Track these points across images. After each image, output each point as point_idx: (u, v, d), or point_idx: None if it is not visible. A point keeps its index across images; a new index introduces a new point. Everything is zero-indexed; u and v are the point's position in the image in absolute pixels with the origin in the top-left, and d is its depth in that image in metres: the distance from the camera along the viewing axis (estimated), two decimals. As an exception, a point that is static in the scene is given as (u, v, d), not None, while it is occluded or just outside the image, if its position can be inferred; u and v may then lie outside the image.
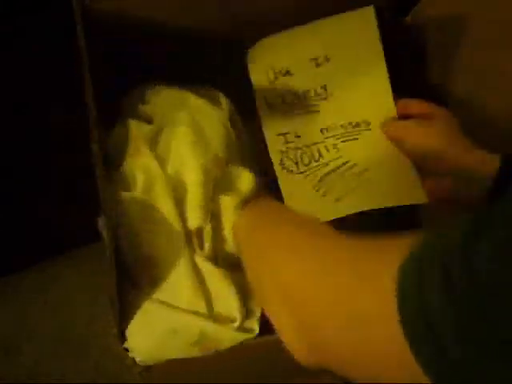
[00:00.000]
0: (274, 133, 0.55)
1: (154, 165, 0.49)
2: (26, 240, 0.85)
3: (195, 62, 0.60)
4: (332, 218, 0.50)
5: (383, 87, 0.55)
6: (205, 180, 0.48)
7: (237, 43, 0.59)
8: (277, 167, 0.54)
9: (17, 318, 0.90)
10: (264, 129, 0.55)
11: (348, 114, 0.55)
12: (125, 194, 0.48)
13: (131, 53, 0.59)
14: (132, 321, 0.46)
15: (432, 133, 0.51)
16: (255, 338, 0.44)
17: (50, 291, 0.91)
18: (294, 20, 0.59)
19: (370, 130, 0.54)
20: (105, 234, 0.41)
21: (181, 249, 0.48)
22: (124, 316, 0.42)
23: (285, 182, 0.53)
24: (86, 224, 0.74)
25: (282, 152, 0.54)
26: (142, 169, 0.49)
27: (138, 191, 0.49)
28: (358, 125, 0.54)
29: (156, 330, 0.45)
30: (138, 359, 0.44)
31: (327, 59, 0.55)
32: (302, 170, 0.53)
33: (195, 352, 0.44)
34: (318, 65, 0.55)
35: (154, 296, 0.47)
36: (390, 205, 0.51)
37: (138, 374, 0.40)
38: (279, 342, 0.44)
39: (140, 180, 0.49)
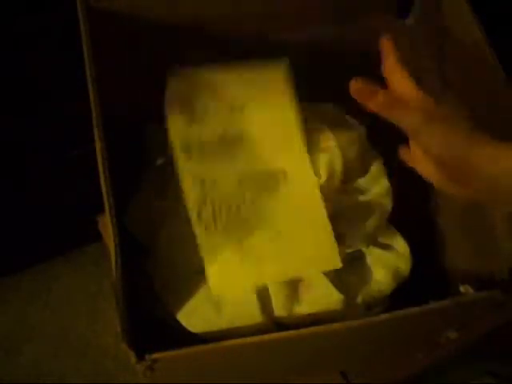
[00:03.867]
0: (190, 178, 0.52)
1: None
2: (26, 240, 0.85)
3: (198, 62, 0.60)
4: (252, 285, 0.50)
5: (296, 137, 0.55)
6: None
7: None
8: (195, 221, 0.51)
9: (17, 318, 0.90)
10: (180, 173, 0.52)
11: (264, 162, 0.54)
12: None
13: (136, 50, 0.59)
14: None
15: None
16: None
17: (50, 291, 0.92)
18: (297, 21, 0.60)
19: (286, 180, 0.53)
20: (110, 229, 0.40)
21: None
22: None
23: (204, 241, 0.50)
24: (86, 224, 0.75)
25: (199, 201, 0.51)
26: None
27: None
28: (274, 174, 0.54)
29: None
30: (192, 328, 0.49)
31: (242, 106, 0.55)
32: (219, 228, 0.51)
33: None
34: (233, 110, 0.55)
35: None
36: (305, 272, 0.51)
37: (142, 373, 0.40)
38: (282, 341, 0.44)
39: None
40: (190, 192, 0.52)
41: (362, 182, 0.58)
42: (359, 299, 0.53)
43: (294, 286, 0.52)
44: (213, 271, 0.50)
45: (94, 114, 0.45)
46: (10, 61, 0.65)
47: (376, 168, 0.60)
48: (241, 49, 0.62)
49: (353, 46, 0.66)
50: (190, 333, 0.50)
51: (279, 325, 0.51)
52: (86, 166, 0.53)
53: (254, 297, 0.50)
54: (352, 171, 0.58)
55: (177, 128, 0.54)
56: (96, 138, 0.44)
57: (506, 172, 0.40)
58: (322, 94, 0.62)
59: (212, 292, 0.50)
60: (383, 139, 0.63)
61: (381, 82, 0.49)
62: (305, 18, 0.62)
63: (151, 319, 0.52)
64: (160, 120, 0.63)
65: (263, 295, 0.51)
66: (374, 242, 0.56)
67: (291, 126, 0.55)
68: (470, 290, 0.49)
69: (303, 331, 0.43)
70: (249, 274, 0.50)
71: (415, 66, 0.66)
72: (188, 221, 0.54)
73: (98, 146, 0.44)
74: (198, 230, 0.51)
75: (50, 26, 0.63)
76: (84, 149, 0.68)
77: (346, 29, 0.63)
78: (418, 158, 0.45)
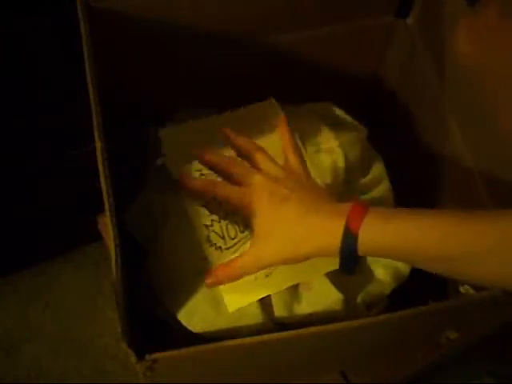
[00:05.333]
0: (197, 205, 0.53)
1: None
2: (26, 240, 0.85)
3: (198, 62, 0.61)
4: (263, 296, 0.50)
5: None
6: None
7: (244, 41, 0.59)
8: (205, 246, 0.52)
9: (17, 318, 0.90)
10: (186, 203, 0.54)
11: None
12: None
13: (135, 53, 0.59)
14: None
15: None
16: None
17: (50, 291, 0.92)
18: (297, 21, 0.61)
19: None
20: (110, 229, 0.40)
21: None
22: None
23: (216, 260, 0.51)
24: (85, 224, 0.74)
25: (207, 227, 0.52)
26: None
27: None
28: None
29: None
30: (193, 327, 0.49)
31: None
32: (229, 245, 0.52)
33: None
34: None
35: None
36: (316, 276, 0.50)
37: (142, 373, 0.40)
38: (282, 341, 0.44)
39: None
40: (197, 218, 0.53)
41: (363, 182, 0.58)
42: (359, 299, 0.53)
43: (294, 286, 0.52)
44: (226, 289, 0.50)
45: (94, 114, 0.45)
46: (9, 60, 0.65)
47: (377, 169, 0.60)
48: (240, 49, 0.62)
49: (352, 46, 0.66)
50: (190, 333, 0.50)
51: (279, 325, 0.51)
52: (85, 166, 0.53)
53: (254, 297, 0.50)
54: (354, 172, 0.58)
55: (177, 167, 0.55)
56: (96, 138, 0.44)
57: None
58: (322, 93, 0.62)
59: (228, 310, 0.49)
60: (383, 139, 0.63)
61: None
62: (305, 18, 0.62)
63: (151, 319, 0.52)
64: (160, 120, 0.63)
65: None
66: (374, 242, 0.56)
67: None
68: (470, 290, 0.49)
69: (303, 331, 0.43)
70: (262, 284, 0.50)
71: (413, 69, 0.66)
72: (188, 222, 0.54)
73: (98, 146, 0.44)
74: (209, 251, 0.52)
75: (50, 26, 0.63)
76: (84, 149, 0.68)
77: (346, 29, 0.63)
78: None
